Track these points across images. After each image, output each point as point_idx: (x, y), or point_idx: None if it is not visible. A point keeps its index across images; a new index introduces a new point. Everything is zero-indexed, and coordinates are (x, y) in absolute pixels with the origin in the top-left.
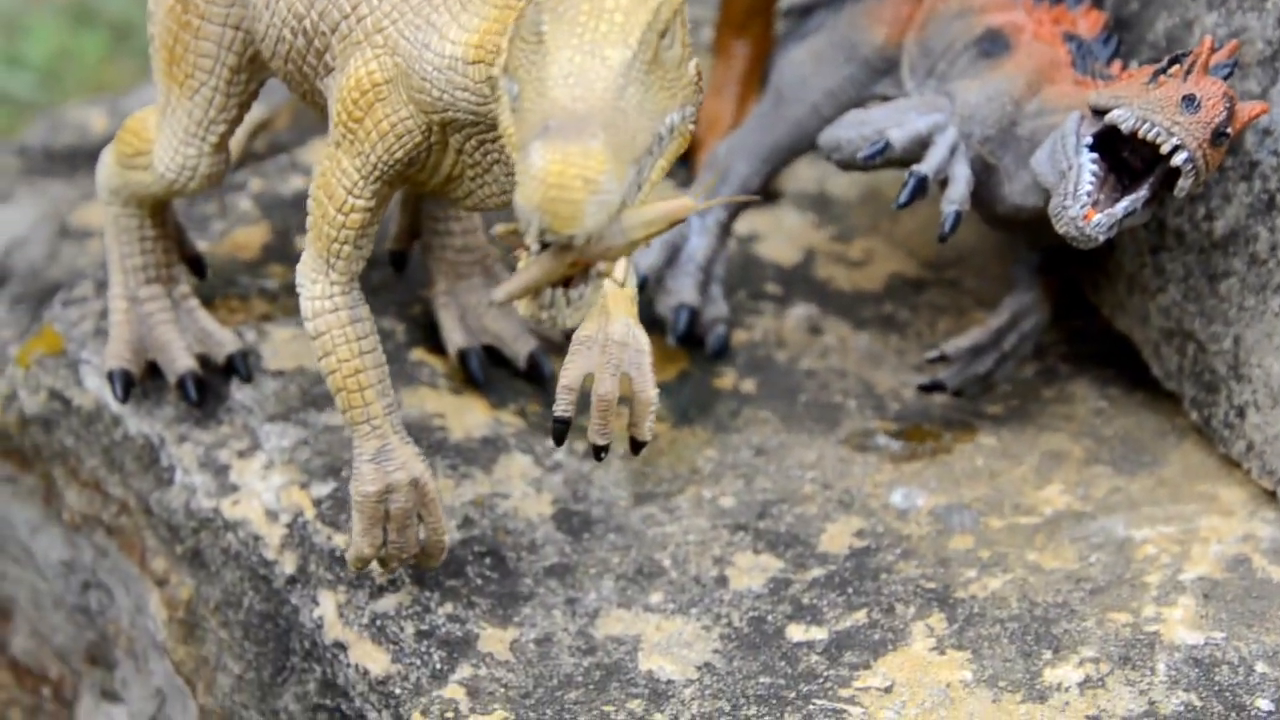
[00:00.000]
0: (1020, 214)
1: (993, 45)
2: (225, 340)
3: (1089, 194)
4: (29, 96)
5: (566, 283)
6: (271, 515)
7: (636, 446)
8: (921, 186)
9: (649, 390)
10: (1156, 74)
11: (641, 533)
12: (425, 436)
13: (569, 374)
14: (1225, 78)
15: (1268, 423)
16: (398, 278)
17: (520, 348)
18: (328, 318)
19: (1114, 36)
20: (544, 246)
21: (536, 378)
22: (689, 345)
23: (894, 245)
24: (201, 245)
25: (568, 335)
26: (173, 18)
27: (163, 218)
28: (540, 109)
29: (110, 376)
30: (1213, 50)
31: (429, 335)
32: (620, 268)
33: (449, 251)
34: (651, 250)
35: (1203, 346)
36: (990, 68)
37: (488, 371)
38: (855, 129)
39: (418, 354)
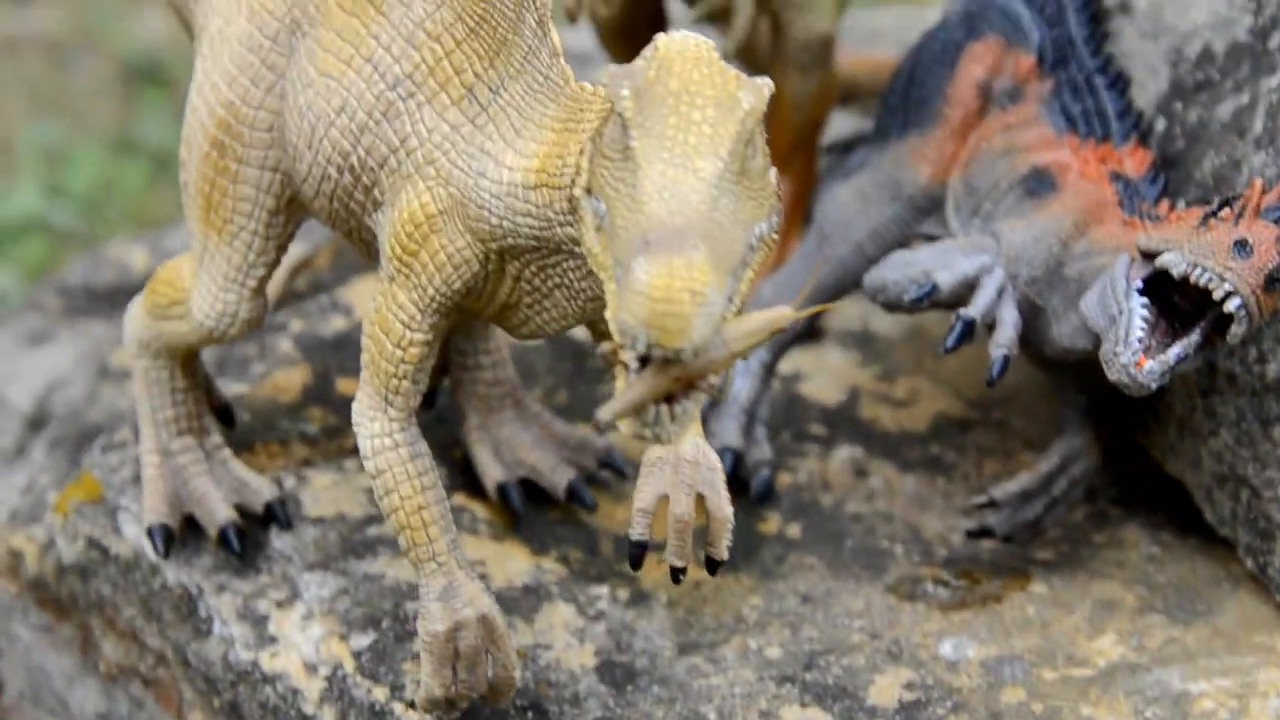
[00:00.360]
0: (1069, 356)
1: (1039, 184)
2: (262, 488)
3: (1141, 340)
4: (70, 227)
5: (669, 398)
6: (310, 668)
7: (713, 566)
8: (969, 330)
9: (725, 509)
10: (1207, 217)
11: (686, 684)
12: None
13: (644, 496)
14: (1277, 221)
15: None
16: (435, 421)
17: (559, 478)
18: (388, 455)
19: (1161, 175)
20: (644, 363)
21: (578, 506)
22: (733, 489)
23: (939, 384)
24: (240, 388)
25: (603, 464)
26: (209, 164)
27: (192, 368)
28: (635, 224)
29: (150, 533)
30: (1264, 193)
31: (470, 479)
32: (722, 381)
33: (480, 386)
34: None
35: (1257, 492)
36: (1036, 207)
37: (529, 509)
38: (901, 270)
39: (459, 499)
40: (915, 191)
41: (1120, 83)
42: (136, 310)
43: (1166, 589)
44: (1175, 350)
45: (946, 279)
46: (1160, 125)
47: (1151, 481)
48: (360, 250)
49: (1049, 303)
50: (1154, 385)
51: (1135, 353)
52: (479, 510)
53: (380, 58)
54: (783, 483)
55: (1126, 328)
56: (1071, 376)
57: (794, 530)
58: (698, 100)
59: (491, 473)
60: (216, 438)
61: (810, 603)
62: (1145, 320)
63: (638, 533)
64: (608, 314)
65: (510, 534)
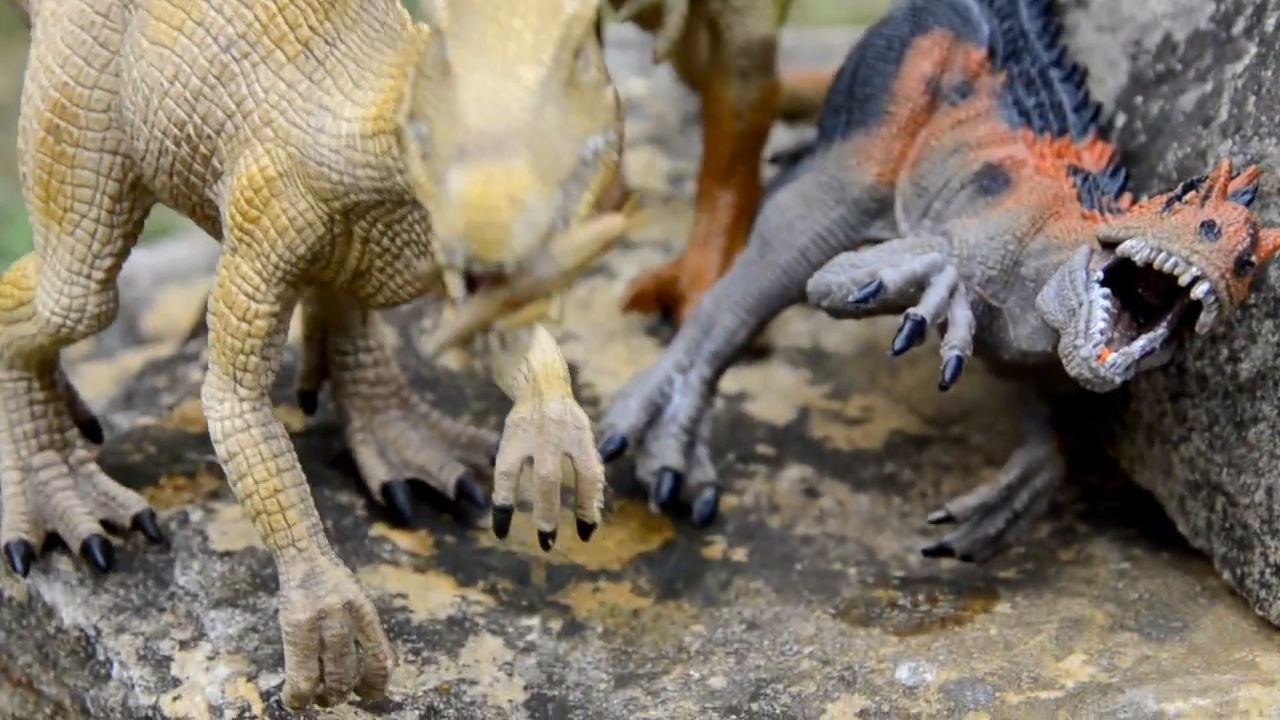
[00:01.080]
0: (1027, 360)
1: (992, 181)
2: (130, 501)
3: (1102, 332)
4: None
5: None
6: (216, 710)
7: (585, 530)
8: (919, 330)
9: (594, 468)
10: (1171, 201)
11: (623, 718)
12: (387, 618)
13: (507, 459)
14: (1245, 204)
15: None
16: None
17: (447, 476)
18: (239, 437)
19: (1122, 169)
20: (470, 289)
21: (468, 503)
22: (674, 512)
23: (894, 401)
24: (148, 420)
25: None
26: (45, 149)
27: (51, 379)
28: (454, 139)
29: (8, 549)
30: (1231, 174)
31: (391, 510)
32: (555, 306)
33: (362, 386)
34: (631, 410)
35: (1232, 499)
36: (990, 205)
37: (417, 508)
38: (846, 272)
39: (379, 529)
40: (861, 193)
41: (1076, 75)
42: None
43: (1138, 605)
44: (1140, 343)
45: (894, 277)
46: (1120, 120)
47: (1120, 494)
48: (208, 229)
49: (1005, 304)
50: (1117, 379)
51: (1097, 345)
52: (400, 540)
53: (212, 20)
54: (728, 505)
55: (1087, 319)
56: (1031, 382)
57: (740, 554)
58: (518, 7)
59: (377, 473)
60: (82, 452)
61: (757, 629)
62: (1107, 311)
63: (501, 497)
64: (434, 241)
65: (433, 564)
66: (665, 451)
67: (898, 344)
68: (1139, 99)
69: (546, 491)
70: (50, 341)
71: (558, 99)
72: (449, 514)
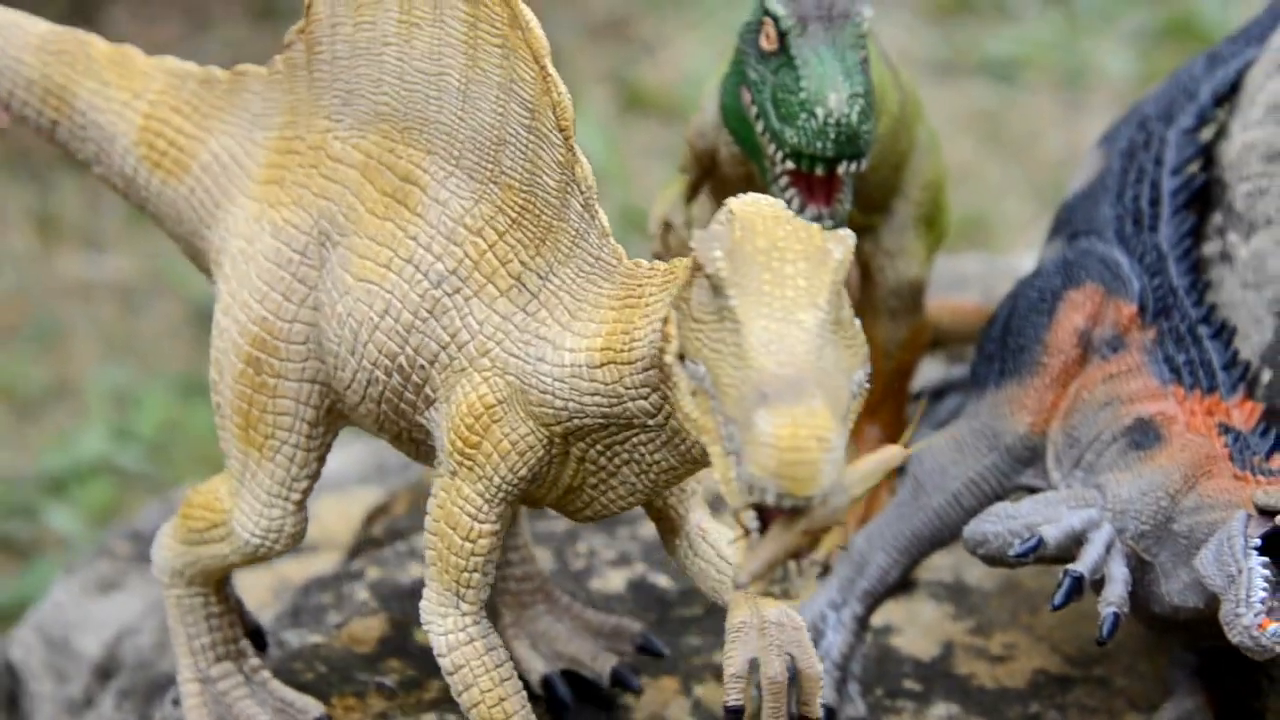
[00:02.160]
0: (1179, 614)
1: (1144, 436)
2: (309, 707)
3: (1263, 601)
4: (138, 469)
5: (795, 554)
6: None
7: None
8: (1078, 587)
9: (816, 665)
10: None
11: None
12: None
13: (735, 662)
14: None
15: None
16: None
17: (601, 666)
18: (465, 650)
19: (1272, 428)
20: (763, 521)
21: (625, 690)
22: None
23: (1036, 639)
24: (316, 638)
25: (640, 648)
26: (245, 381)
27: (225, 593)
28: (746, 380)
29: None
30: None
31: (552, 702)
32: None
33: (510, 583)
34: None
35: None
36: (1142, 460)
37: (576, 704)
38: (1003, 524)
39: None
40: (1014, 441)
41: (1225, 333)
42: (167, 539)
43: None
44: None
45: (1053, 534)
46: (1266, 376)
47: None
48: (408, 451)
49: (1157, 559)
50: (1279, 649)
51: (1258, 614)
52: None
53: (421, 257)
54: None
55: (1247, 588)
56: (1181, 634)
57: None
58: (788, 255)
59: (535, 666)
60: (254, 660)
61: None
62: (1267, 580)
63: (734, 699)
64: (717, 475)
65: None
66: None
67: (1057, 600)
68: None
69: (777, 691)
70: (244, 561)
71: (831, 339)
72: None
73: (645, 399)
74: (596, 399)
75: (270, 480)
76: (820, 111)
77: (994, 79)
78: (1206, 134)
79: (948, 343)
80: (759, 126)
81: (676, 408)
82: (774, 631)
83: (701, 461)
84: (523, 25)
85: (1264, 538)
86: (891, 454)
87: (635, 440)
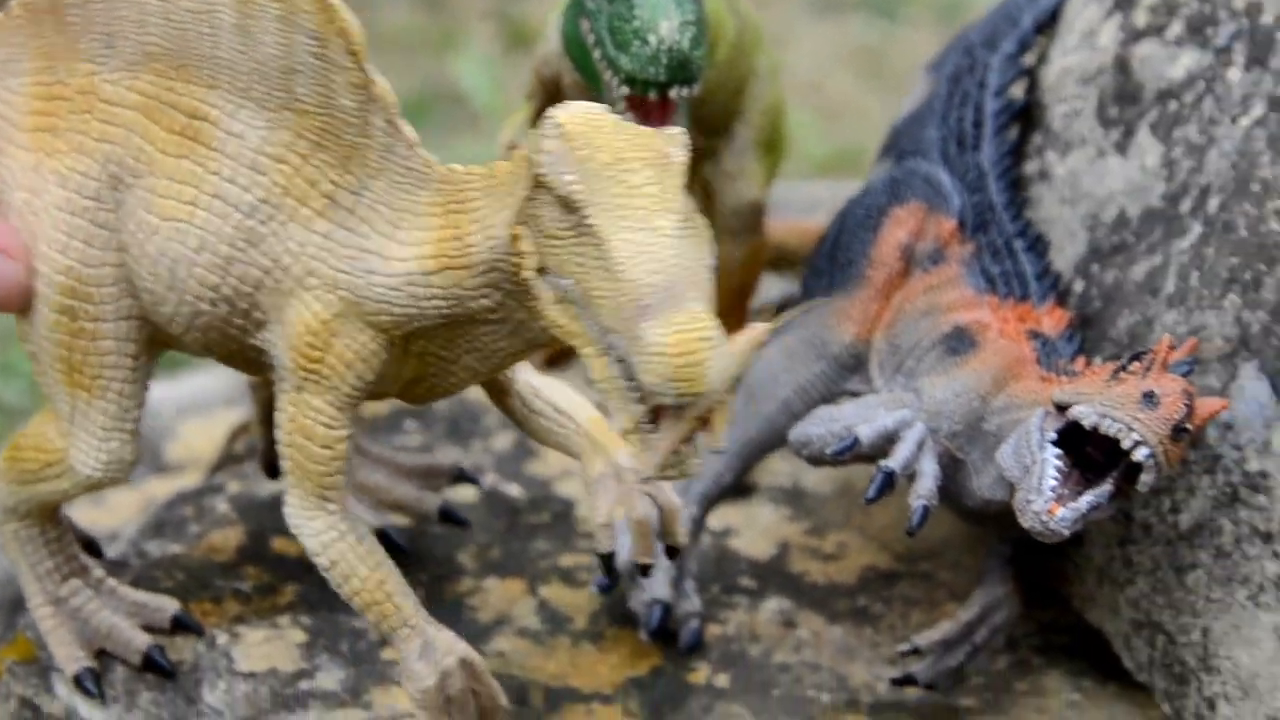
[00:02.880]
0: (989, 507)
1: (959, 343)
2: (163, 605)
3: (1053, 489)
4: (19, 404)
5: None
6: None
7: (673, 553)
8: (889, 482)
9: (673, 500)
10: (1117, 371)
11: None
12: None
13: (601, 511)
14: (1185, 375)
15: (1238, 715)
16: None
17: (428, 506)
18: (339, 546)
19: (1077, 334)
20: (653, 414)
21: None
22: (663, 640)
23: (868, 539)
24: (176, 549)
25: (444, 514)
26: (62, 329)
27: (57, 516)
28: (620, 291)
29: (78, 680)
30: (1171, 348)
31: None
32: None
33: None
34: (623, 547)
35: (1171, 638)
36: (957, 364)
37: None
38: (824, 425)
39: (390, 652)
40: (840, 350)
41: (1039, 246)
42: None
43: None
44: (1087, 499)
45: (867, 433)
46: (1079, 286)
47: (1073, 629)
48: (242, 368)
49: (969, 456)
50: (1066, 531)
51: (1047, 500)
52: None
53: (227, 191)
54: (712, 634)
55: (1040, 477)
56: (993, 527)
57: (722, 680)
58: (634, 164)
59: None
60: (98, 571)
61: None
62: (1058, 470)
63: (606, 545)
64: (593, 374)
65: None
66: (655, 585)
67: (870, 494)
68: (1095, 268)
69: (644, 530)
70: (84, 493)
71: (686, 236)
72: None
73: (487, 298)
74: (436, 303)
75: (104, 416)
76: (653, 39)
77: (875, 14)
78: (1029, 59)
79: (795, 263)
80: (596, 54)
81: (542, 316)
82: (630, 476)
83: (540, 344)
84: None
85: (1059, 432)
86: (759, 331)
87: (477, 332)
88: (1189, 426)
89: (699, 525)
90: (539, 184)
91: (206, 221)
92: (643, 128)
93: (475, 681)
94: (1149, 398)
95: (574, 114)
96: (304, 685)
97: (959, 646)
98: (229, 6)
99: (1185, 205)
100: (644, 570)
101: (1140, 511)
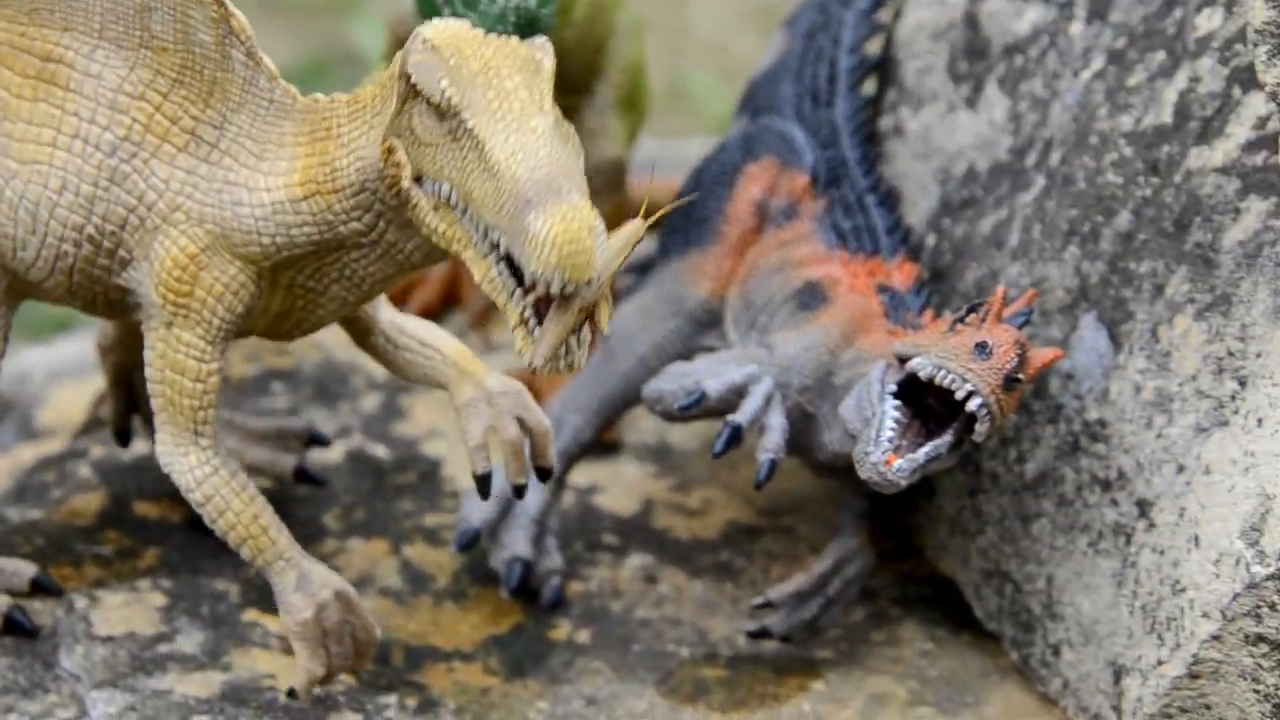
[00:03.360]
0: (839, 461)
1: (810, 298)
2: (21, 568)
3: (890, 440)
4: None
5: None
6: None
7: (545, 475)
8: (736, 435)
9: (543, 421)
10: (955, 323)
11: None
12: (255, 697)
13: (474, 435)
14: (1022, 325)
15: (1080, 660)
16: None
17: (283, 468)
18: (212, 480)
19: (925, 288)
20: (537, 311)
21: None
22: (524, 598)
23: (732, 494)
24: (36, 513)
25: (311, 440)
26: None
27: None
28: (503, 190)
29: None
30: (1005, 299)
31: (263, 596)
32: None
33: None
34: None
35: (1018, 587)
36: (808, 319)
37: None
38: (676, 381)
39: (251, 614)
40: (695, 306)
41: (890, 201)
42: None
43: (937, 682)
44: (925, 449)
45: (715, 387)
46: (931, 240)
47: (928, 580)
48: (103, 313)
49: (820, 410)
50: (903, 483)
51: (885, 451)
52: (270, 625)
53: (87, 131)
54: (574, 591)
55: (878, 428)
56: (846, 480)
57: (583, 636)
58: (504, 71)
59: None
60: None
61: (595, 705)
62: (896, 421)
63: (482, 466)
64: (477, 276)
65: None
66: (516, 542)
67: (717, 448)
68: (946, 222)
69: (516, 451)
70: None
71: (559, 135)
72: None
73: (358, 220)
74: (306, 229)
75: None
76: None
77: None
78: (885, 15)
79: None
80: (446, 12)
81: (420, 224)
82: (500, 400)
83: (411, 266)
84: None
85: (899, 384)
86: (636, 227)
87: (346, 259)
88: (1021, 376)
89: (559, 483)
90: (413, 94)
91: (67, 162)
92: (510, 39)
93: (350, 613)
94: (981, 348)
95: (440, 28)
96: (163, 648)
97: (812, 599)
98: None
99: (1030, 159)
100: (518, 491)
101: (988, 462)
